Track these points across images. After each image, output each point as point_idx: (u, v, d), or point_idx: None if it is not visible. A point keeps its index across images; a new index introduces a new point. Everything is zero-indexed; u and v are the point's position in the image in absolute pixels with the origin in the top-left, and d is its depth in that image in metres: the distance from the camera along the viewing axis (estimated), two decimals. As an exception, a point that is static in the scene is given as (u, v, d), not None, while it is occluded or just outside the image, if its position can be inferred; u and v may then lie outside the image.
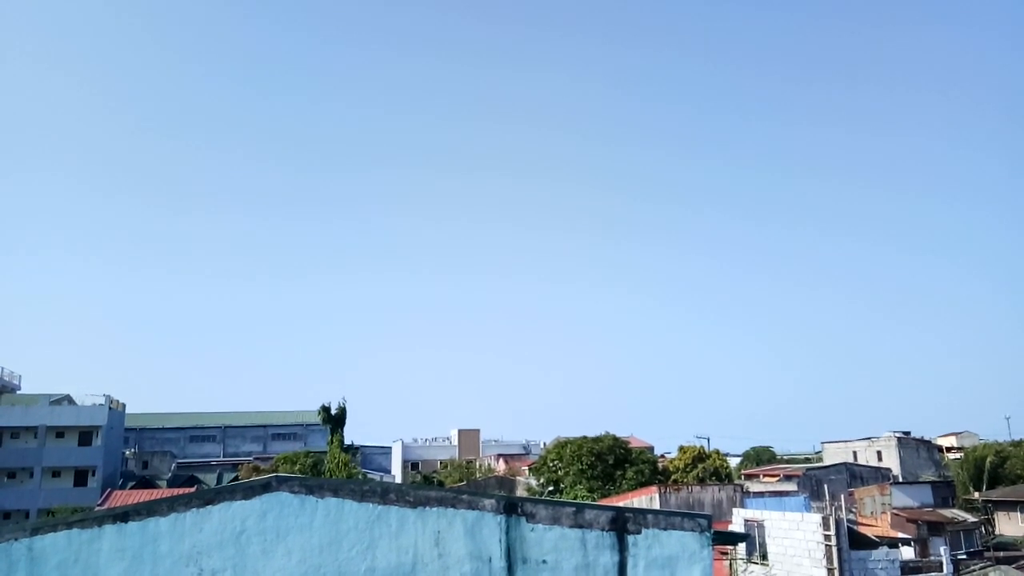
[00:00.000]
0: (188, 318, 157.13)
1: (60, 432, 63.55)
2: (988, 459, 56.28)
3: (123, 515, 8.57)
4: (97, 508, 37.85)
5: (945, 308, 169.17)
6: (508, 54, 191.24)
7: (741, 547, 27.63)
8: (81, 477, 62.91)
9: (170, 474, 69.37)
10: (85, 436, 63.88)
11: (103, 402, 65.85)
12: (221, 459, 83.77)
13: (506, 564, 9.27)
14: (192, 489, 48.37)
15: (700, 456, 57.67)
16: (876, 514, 42.53)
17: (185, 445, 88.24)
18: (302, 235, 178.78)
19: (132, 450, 78.40)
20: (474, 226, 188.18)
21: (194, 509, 8.70)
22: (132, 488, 55.46)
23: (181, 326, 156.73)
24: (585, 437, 53.93)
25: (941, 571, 25.97)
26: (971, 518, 42.16)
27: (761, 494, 40.84)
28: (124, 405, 71.36)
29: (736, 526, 28.95)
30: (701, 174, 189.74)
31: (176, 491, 45.78)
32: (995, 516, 49.38)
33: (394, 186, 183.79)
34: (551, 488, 52.55)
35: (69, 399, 68.21)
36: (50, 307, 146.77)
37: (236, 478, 61.48)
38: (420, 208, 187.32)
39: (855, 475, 58.43)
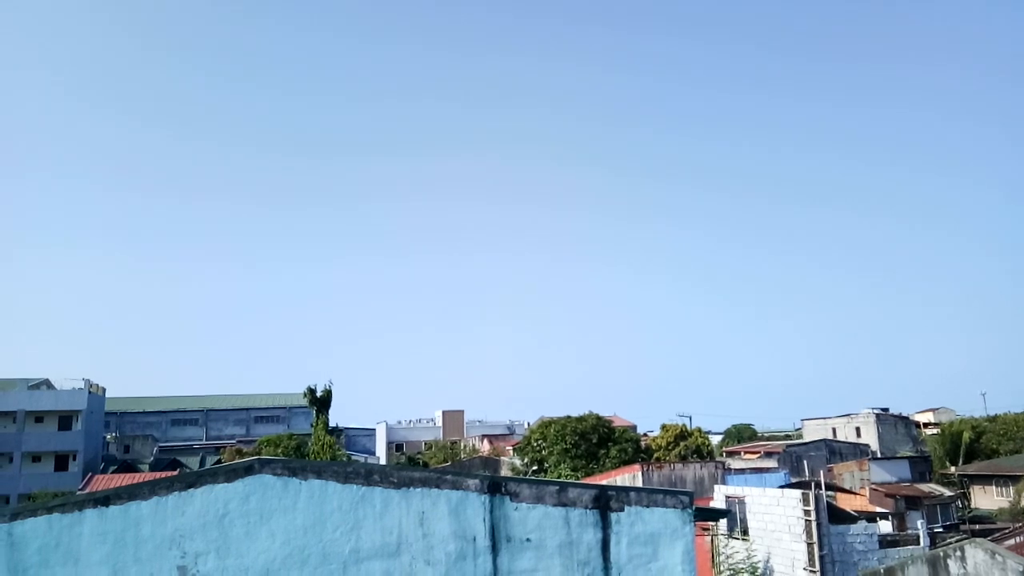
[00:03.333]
0: (169, 302, 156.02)
1: (39, 417, 62.97)
2: (964, 434, 57.16)
3: (104, 499, 8.49)
4: (78, 492, 37.63)
5: (923, 286, 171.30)
6: (506, 41, 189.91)
7: (723, 523, 27.98)
8: (62, 462, 62.48)
9: (152, 458, 68.96)
10: (65, 420, 63.36)
11: (82, 386, 65.26)
12: (203, 442, 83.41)
13: (490, 543, 9.31)
14: (174, 473, 48.19)
15: (682, 434, 58.18)
16: (855, 489, 43.12)
17: (167, 429, 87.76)
18: (285, 221, 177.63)
19: (113, 434, 77.85)
20: (456, 208, 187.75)
21: (176, 492, 8.64)
22: (114, 472, 55.14)
23: (162, 310, 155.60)
24: (569, 417, 54.18)
25: (918, 544, 26.42)
26: (947, 492, 42.86)
27: (742, 471, 41.30)
28: (104, 389, 70.77)
29: (718, 502, 29.30)
30: (689, 151, 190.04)
31: (158, 475, 45.56)
32: (971, 490, 50.26)
33: (377, 171, 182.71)
34: (535, 467, 52.83)
35: (48, 384, 67.54)
36: (28, 292, 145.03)
37: (219, 461, 61.26)
38: (403, 191, 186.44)
39: (834, 451, 59.20)
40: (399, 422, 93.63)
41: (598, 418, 54.43)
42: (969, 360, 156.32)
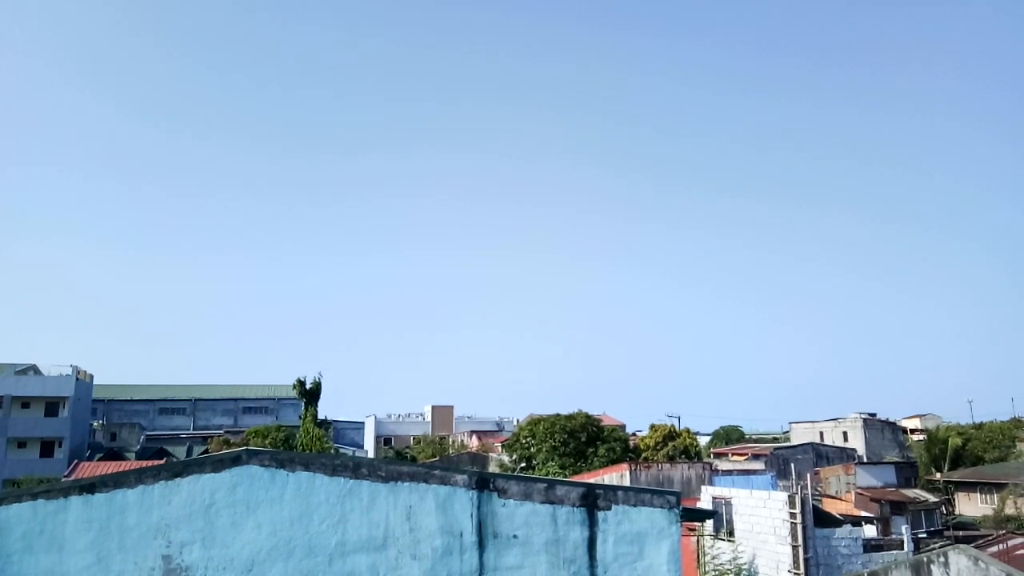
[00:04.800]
0: (159, 292, 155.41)
1: (26, 402, 62.57)
2: (951, 440, 57.47)
3: (90, 486, 8.44)
4: (64, 479, 37.45)
5: (914, 293, 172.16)
6: (513, 40, 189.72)
7: (709, 524, 28.08)
8: (48, 448, 62.12)
9: (139, 446, 68.67)
10: (52, 407, 62.99)
11: (70, 372, 64.89)
12: (191, 432, 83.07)
13: (477, 539, 9.31)
14: (161, 462, 47.98)
15: (671, 435, 58.39)
16: (840, 493, 43.34)
17: (154, 417, 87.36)
18: (278, 215, 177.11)
19: (100, 422, 77.45)
20: (450, 206, 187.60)
21: (163, 481, 8.59)
22: (100, 460, 54.91)
23: (152, 299, 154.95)
24: (558, 415, 54.27)
25: (902, 549, 26.57)
26: (932, 498, 43.13)
27: (729, 472, 41.41)
28: (92, 376, 70.39)
29: (704, 503, 29.38)
30: (688, 151, 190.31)
31: (145, 463, 45.39)
32: (955, 496, 50.59)
33: (373, 168, 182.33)
34: (523, 464, 52.91)
35: (35, 369, 67.09)
36: (18, 278, 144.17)
37: (206, 451, 61.09)
38: (398, 189, 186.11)
39: (821, 455, 59.40)
40: (388, 416, 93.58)
41: (587, 417, 54.55)
42: (957, 368, 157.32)
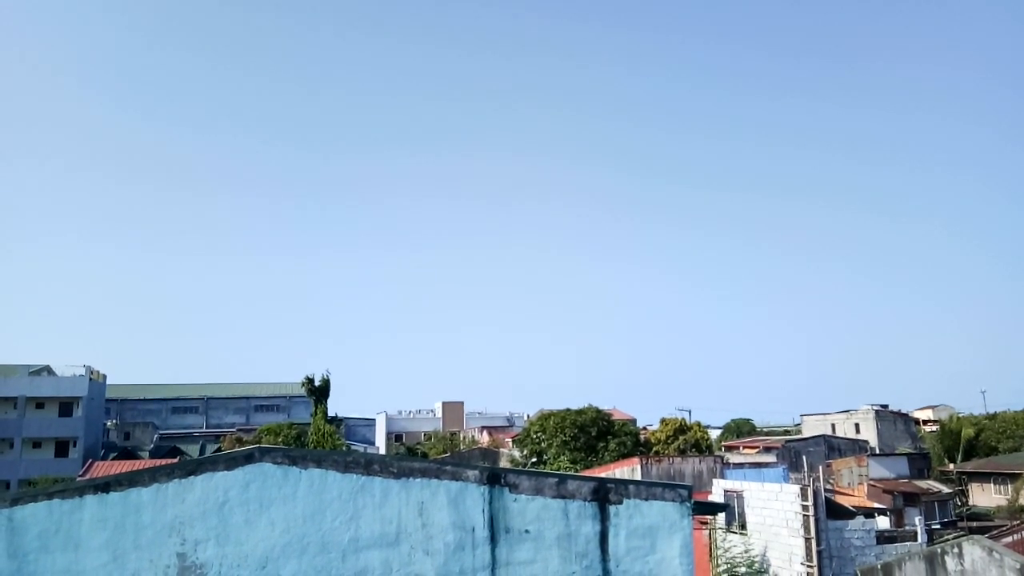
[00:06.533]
0: (171, 291, 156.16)
1: (40, 403, 63.08)
2: (965, 431, 57.14)
3: (104, 485, 8.51)
4: (79, 479, 37.72)
5: (924, 284, 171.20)
6: (518, 40, 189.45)
7: (721, 517, 28.03)
8: (62, 448, 62.64)
9: (152, 445, 69.11)
10: (66, 407, 63.49)
11: (83, 373, 65.34)
12: (203, 430, 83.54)
13: (489, 534, 9.33)
14: (174, 460, 48.23)
15: (681, 428, 58.28)
16: (853, 485, 43.21)
17: (167, 416, 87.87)
18: (286, 211, 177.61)
19: (114, 421, 77.99)
20: (459, 203, 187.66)
21: (176, 480, 8.65)
22: (114, 459, 55.27)
23: (163, 298, 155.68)
24: (568, 409, 54.27)
25: (916, 540, 26.48)
26: (946, 489, 42.92)
27: (741, 465, 41.33)
28: (105, 376, 70.85)
29: (716, 497, 29.32)
30: (693, 150, 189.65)
31: (158, 462, 45.66)
32: (969, 487, 50.31)
33: (380, 166, 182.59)
34: (534, 459, 52.96)
35: (49, 370, 67.62)
36: (30, 279, 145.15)
37: (219, 449, 61.43)
38: (405, 186, 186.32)
39: (833, 447, 59.16)
40: (399, 412, 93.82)
41: (597, 411, 54.52)
42: (969, 358, 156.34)
